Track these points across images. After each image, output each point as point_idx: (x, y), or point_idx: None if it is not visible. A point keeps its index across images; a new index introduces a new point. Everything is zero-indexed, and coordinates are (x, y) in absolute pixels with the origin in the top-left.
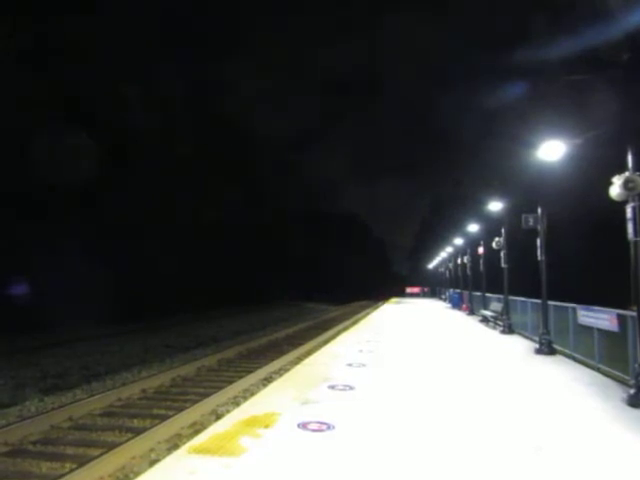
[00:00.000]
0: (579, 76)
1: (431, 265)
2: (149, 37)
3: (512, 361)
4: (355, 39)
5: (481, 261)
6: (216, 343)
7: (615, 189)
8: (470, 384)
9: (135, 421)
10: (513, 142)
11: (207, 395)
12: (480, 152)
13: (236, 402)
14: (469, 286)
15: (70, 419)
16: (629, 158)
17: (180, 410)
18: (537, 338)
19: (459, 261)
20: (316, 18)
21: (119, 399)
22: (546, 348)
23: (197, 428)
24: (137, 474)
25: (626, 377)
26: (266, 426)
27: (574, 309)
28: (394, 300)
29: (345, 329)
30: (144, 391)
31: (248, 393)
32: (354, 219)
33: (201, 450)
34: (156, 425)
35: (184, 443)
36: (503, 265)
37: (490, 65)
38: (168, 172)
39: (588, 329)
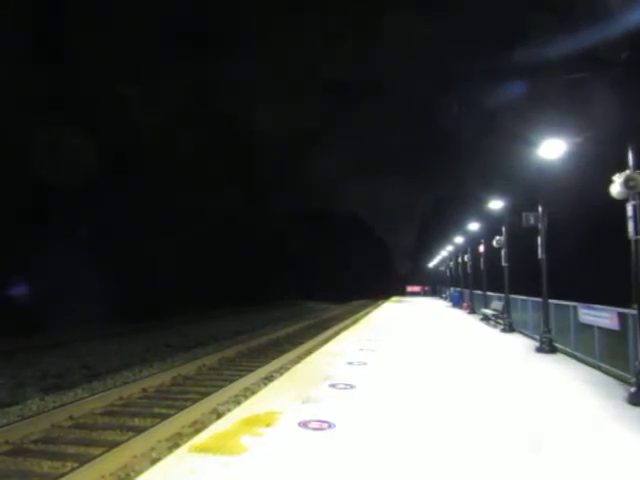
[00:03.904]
0: (579, 75)
1: (432, 264)
2: (149, 37)
3: (513, 359)
4: (355, 39)
5: (482, 260)
6: (216, 342)
7: (616, 187)
8: (471, 383)
9: (136, 420)
10: (513, 141)
11: (208, 394)
12: (480, 151)
13: (237, 401)
14: (470, 285)
15: (71, 418)
16: (629, 156)
17: (181, 409)
18: (538, 337)
19: (460, 260)
20: (316, 18)
21: (120, 398)
22: (547, 347)
23: (198, 427)
24: (138, 473)
25: (627, 375)
26: (267, 425)
27: (575, 308)
28: (395, 299)
29: (345, 328)
30: (145, 390)
31: (249, 392)
32: (354, 218)
33: (202, 449)
34: (157, 424)
35: (185, 442)
36: (504, 264)
37: (490, 64)
38: (168, 172)
39: (589, 327)
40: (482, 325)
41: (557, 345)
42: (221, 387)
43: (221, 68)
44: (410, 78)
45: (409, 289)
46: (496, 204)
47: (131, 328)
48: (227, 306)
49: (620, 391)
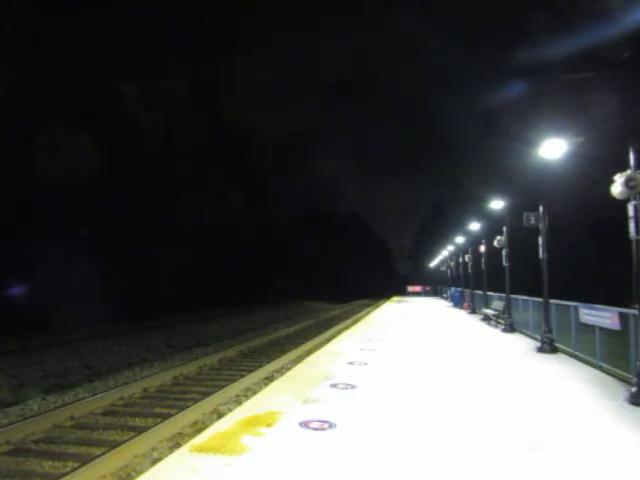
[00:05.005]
0: (579, 75)
1: (432, 264)
2: (149, 37)
3: (514, 360)
4: (355, 39)
5: (482, 259)
6: (217, 342)
7: (617, 187)
8: (472, 383)
9: (137, 420)
10: (514, 141)
11: (209, 394)
12: (481, 151)
13: (238, 401)
14: (470, 285)
15: (72, 418)
16: (630, 156)
17: (182, 409)
18: (539, 336)
19: (460, 260)
20: (316, 18)
21: (121, 398)
22: (548, 346)
23: (199, 427)
24: (139, 473)
25: (628, 375)
26: (268, 425)
27: (576, 307)
28: (395, 299)
29: (346, 328)
30: (146, 390)
31: (250, 392)
32: (355, 218)
33: (203, 449)
34: (158, 424)
35: (186, 442)
36: (505, 263)
37: (490, 64)
38: (168, 172)
39: (590, 327)
40: (483, 325)
41: (558, 345)
42: (222, 387)
43: (221, 68)
44: (410, 78)
45: (410, 289)
46: (497, 204)
47: (131, 328)
48: (228, 306)
49: (621, 391)
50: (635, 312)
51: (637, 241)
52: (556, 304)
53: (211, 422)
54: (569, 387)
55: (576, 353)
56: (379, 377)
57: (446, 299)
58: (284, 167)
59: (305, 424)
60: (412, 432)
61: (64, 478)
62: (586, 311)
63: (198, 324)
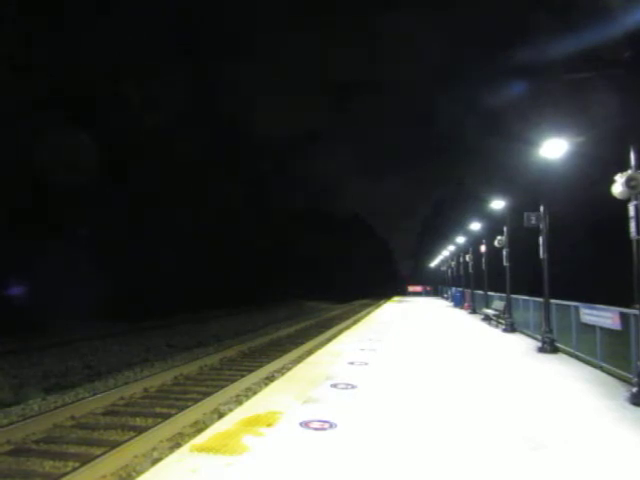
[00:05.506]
0: (580, 75)
1: (433, 264)
2: (149, 37)
3: (514, 360)
4: (355, 39)
5: (483, 259)
6: (218, 342)
7: (617, 187)
8: (472, 383)
9: (137, 420)
10: (515, 141)
11: (209, 394)
12: (482, 151)
13: (238, 401)
14: (471, 285)
15: (72, 418)
16: (631, 156)
17: (182, 409)
18: (539, 337)
19: (461, 259)
20: (316, 18)
21: (121, 398)
22: (548, 346)
23: (199, 427)
24: (139, 473)
25: (629, 375)
26: (268, 425)
27: (576, 307)
28: (396, 299)
29: (347, 328)
30: (146, 390)
31: (250, 392)
32: (355, 218)
33: (203, 449)
34: (158, 424)
35: (186, 442)
36: (505, 263)
37: (491, 64)
38: (168, 172)
39: (591, 327)
40: (483, 325)
41: (559, 345)
42: (222, 387)
43: (221, 68)
44: (410, 78)
45: (410, 289)
46: (498, 204)
47: (131, 328)
48: (228, 306)
49: (622, 391)
50: (636, 312)
51: (638, 241)
52: (557, 304)
53: (211, 422)
54: (570, 387)
55: (577, 353)
56: (380, 377)
57: (447, 299)
58: (284, 167)
59: (305, 424)
60: (412, 432)
61: (64, 478)
62: (587, 311)
63: (198, 324)
